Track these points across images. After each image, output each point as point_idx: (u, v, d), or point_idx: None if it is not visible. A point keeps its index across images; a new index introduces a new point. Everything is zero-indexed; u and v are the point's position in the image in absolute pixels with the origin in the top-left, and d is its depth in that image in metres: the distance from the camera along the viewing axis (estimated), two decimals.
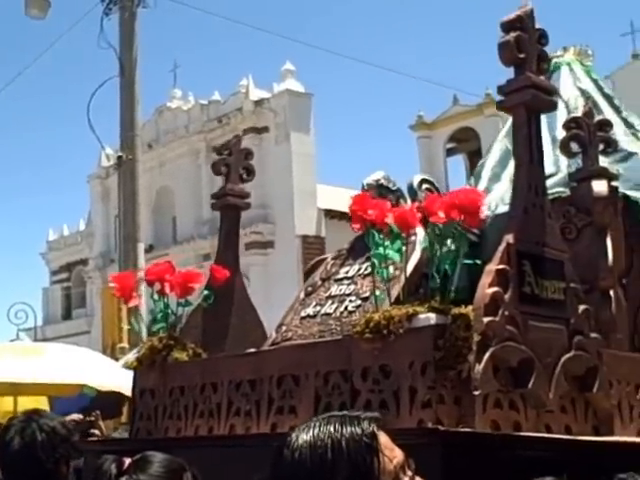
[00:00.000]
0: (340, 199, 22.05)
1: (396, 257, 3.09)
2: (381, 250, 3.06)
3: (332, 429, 1.72)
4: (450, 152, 27.14)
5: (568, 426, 3.22)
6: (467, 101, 25.76)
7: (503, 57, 3.34)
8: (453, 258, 3.02)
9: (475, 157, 24.81)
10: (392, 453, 1.74)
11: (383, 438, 1.75)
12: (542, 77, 3.44)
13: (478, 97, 25.03)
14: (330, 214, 22.55)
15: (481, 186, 4.69)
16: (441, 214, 2.95)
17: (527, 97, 3.31)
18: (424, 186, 3.96)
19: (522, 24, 3.35)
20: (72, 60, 50.53)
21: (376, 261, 3.13)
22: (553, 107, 3.53)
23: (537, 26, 3.44)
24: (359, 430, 1.71)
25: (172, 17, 50.85)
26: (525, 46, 3.34)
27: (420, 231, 3.41)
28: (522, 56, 3.33)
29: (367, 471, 1.66)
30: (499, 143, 4.91)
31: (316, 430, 1.73)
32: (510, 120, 3.72)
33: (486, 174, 4.77)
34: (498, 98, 3.44)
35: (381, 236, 3.08)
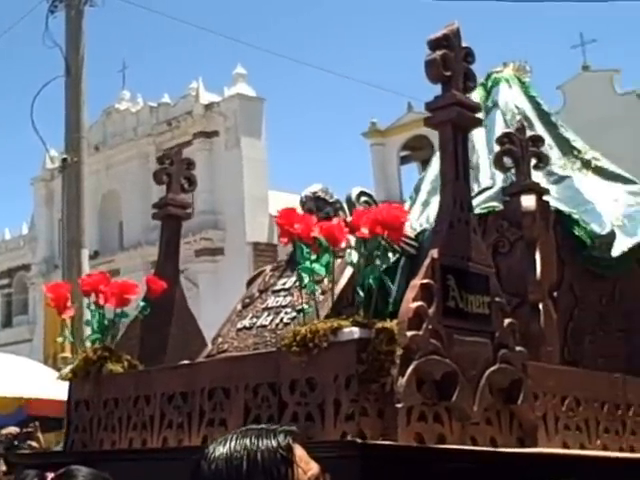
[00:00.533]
0: (293, 206, 22.03)
1: (322, 271, 3.13)
2: (308, 264, 3.09)
3: (248, 442, 1.74)
4: (404, 160, 27.20)
5: (493, 438, 3.27)
6: (422, 109, 25.84)
7: (429, 74, 3.40)
8: (377, 273, 3.06)
9: (428, 166, 24.85)
10: (307, 466, 1.76)
11: (299, 451, 1.77)
12: (469, 95, 3.51)
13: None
14: None
15: (420, 199, 4.75)
16: (365, 230, 2.99)
17: (453, 114, 3.37)
18: (362, 199, 4.01)
19: (448, 42, 3.41)
20: (16, 59, 49.49)
21: (303, 275, 3.16)
22: (478, 124, 3.59)
23: (464, 44, 3.50)
24: (275, 443, 1.74)
25: (121, 16, 49.83)
26: (451, 64, 3.40)
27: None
28: (448, 74, 3.39)
29: None
30: (438, 157, 4.98)
31: (233, 443, 1.75)
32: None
33: (425, 187, 4.84)
34: (426, 114, 3.50)
35: (308, 250, 3.11)
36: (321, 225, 3.12)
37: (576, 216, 4.29)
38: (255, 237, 22.04)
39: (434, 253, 3.15)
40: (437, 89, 3.41)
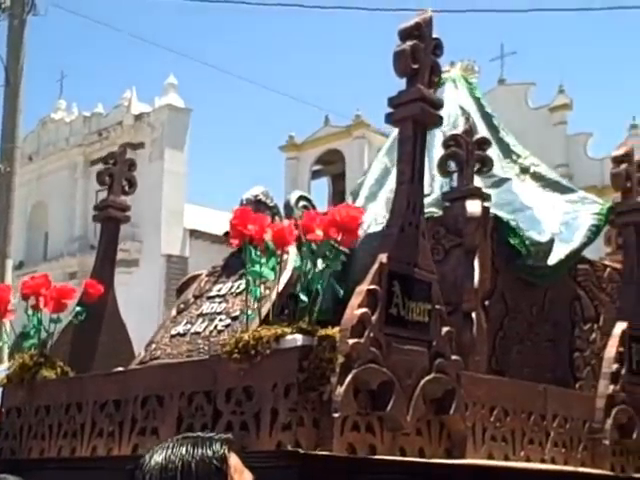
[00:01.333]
0: (206, 219, 21.86)
1: (270, 275, 3.03)
2: (257, 267, 2.98)
3: (184, 451, 1.72)
4: (315, 175, 27.31)
5: (422, 449, 3.24)
6: (338, 122, 25.98)
7: (397, 67, 3.27)
8: (325, 278, 2.98)
9: (339, 180, 25.06)
10: (241, 476, 1.76)
11: (234, 460, 1.76)
12: (431, 90, 3.40)
13: (348, 119, 25.29)
14: (195, 234, 22.42)
15: (357, 205, 4.67)
16: (319, 232, 2.89)
17: (416, 110, 3.27)
18: (301, 203, 3.91)
19: (420, 32, 3.29)
20: None
21: (251, 279, 3.05)
22: (439, 122, 3.50)
23: (434, 35, 3.38)
24: (210, 452, 1.73)
25: (61, 25, 48.68)
26: (420, 56, 3.28)
27: (292, 249, 3.35)
28: (416, 67, 3.27)
29: None
30: (378, 162, 4.91)
31: (168, 452, 1.73)
32: (390, 138, 3.70)
33: (364, 193, 4.76)
34: (387, 111, 3.38)
35: (258, 253, 3.00)
36: (272, 227, 3.01)
37: (514, 223, 4.28)
38: (169, 249, 22.02)
39: (383, 258, 3.07)
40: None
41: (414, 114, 3.25)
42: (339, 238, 2.96)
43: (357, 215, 2.98)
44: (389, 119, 3.34)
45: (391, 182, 3.79)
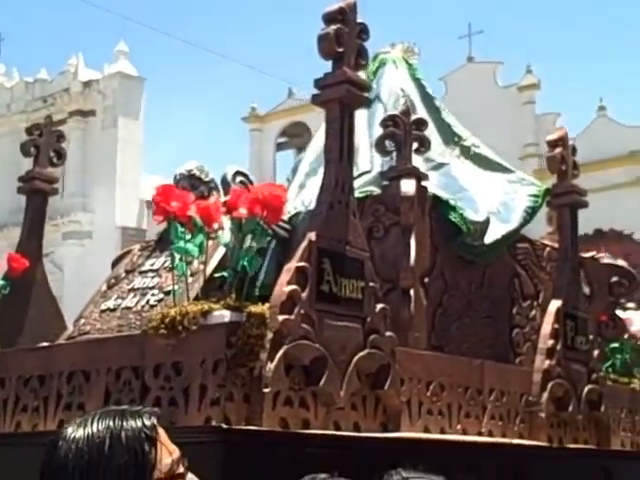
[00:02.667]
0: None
1: (195, 252, 3.04)
2: (182, 244, 3.00)
3: (111, 422, 1.71)
4: (280, 147, 27.18)
5: (357, 423, 3.29)
6: (302, 95, 25.88)
7: (322, 50, 3.34)
8: (253, 255, 3.01)
9: (307, 147, 24.90)
10: (168, 448, 1.74)
11: (162, 433, 1.73)
12: (359, 73, 3.45)
13: (312, 92, 25.09)
14: (152, 206, 21.93)
15: (297, 181, 4.69)
16: (243, 210, 2.92)
17: (342, 92, 3.32)
18: (238, 178, 3.92)
19: (343, 17, 3.34)
20: None
21: (176, 255, 3.07)
22: (366, 104, 3.55)
23: (359, 20, 3.43)
24: (139, 423, 1.71)
25: None
26: (344, 40, 3.34)
27: (227, 226, 3.37)
28: (340, 50, 3.33)
29: (144, 461, 1.65)
30: (318, 138, 4.93)
31: (94, 424, 1.72)
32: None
33: (303, 169, 4.78)
34: (315, 92, 3.43)
35: (183, 229, 3.02)
36: (198, 204, 3.03)
37: (453, 202, 4.33)
38: (124, 221, 21.48)
39: (312, 236, 3.11)
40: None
41: (340, 96, 3.30)
42: (264, 216, 2.98)
43: (280, 194, 3.01)
44: (316, 100, 3.38)
45: None
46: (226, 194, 3.75)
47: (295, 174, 4.80)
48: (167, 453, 1.73)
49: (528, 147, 23.90)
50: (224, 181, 3.89)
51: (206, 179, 3.89)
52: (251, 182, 3.90)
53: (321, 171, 4.59)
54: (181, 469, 1.80)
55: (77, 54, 23.17)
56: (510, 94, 25.62)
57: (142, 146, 22.44)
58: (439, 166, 4.69)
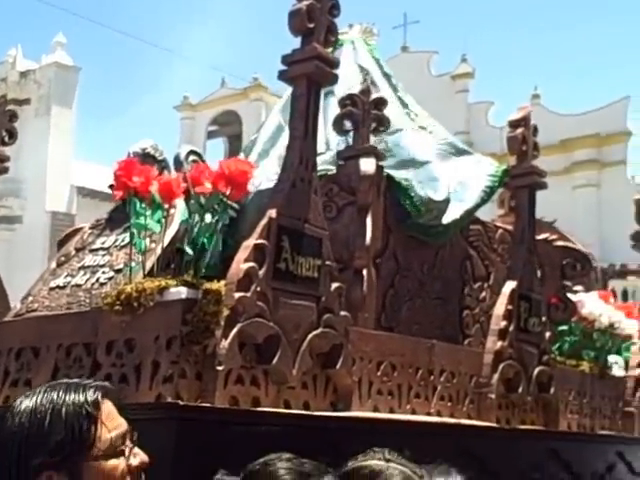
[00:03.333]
0: (95, 177, 21.52)
1: (156, 228, 3.00)
2: (142, 220, 2.95)
3: (55, 396, 1.73)
4: (211, 135, 27.22)
5: (307, 402, 3.29)
6: (234, 85, 25.90)
7: (293, 25, 3.30)
8: (212, 232, 2.97)
9: (235, 141, 25.09)
10: (113, 423, 1.76)
11: (107, 407, 1.76)
12: (328, 49, 3.41)
13: (245, 81, 25.23)
14: (83, 192, 22.10)
15: (250, 160, 4.64)
16: (208, 185, 2.88)
17: (310, 68, 3.28)
18: (191, 158, 3.87)
19: None
20: None
21: (135, 231, 3.02)
22: (334, 81, 3.51)
23: None
24: (82, 398, 1.73)
25: None
26: (316, 15, 3.31)
27: (180, 203, 3.33)
28: (311, 26, 3.30)
29: (82, 437, 1.68)
30: (273, 118, 4.90)
31: (39, 396, 1.74)
32: (285, 96, 3.68)
33: (256, 149, 4.74)
34: (281, 68, 3.38)
35: (143, 205, 2.97)
36: (159, 179, 2.98)
37: (406, 184, 4.32)
38: (54, 206, 21.57)
39: (272, 213, 3.08)
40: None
41: (309, 72, 3.27)
42: (228, 192, 2.95)
43: (247, 169, 2.98)
44: (283, 76, 3.34)
45: (284, 140, 3.79)
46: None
47: (248, 154, 4.76)
48: (107, 430, 1.72)
49: (459, 135, 24.05)
50: (177, 160, 3.84)
51: (160, 158, 3.84)
52: (204, 162, 3.85)
53: (273, 152, 4.59)
54: (127, 444, 1.78)
55: (16, 45, 23.60)
56: (443, 83, 25.84)
57: (73, 133, 22.64)
58: (395, 132, 4.64)
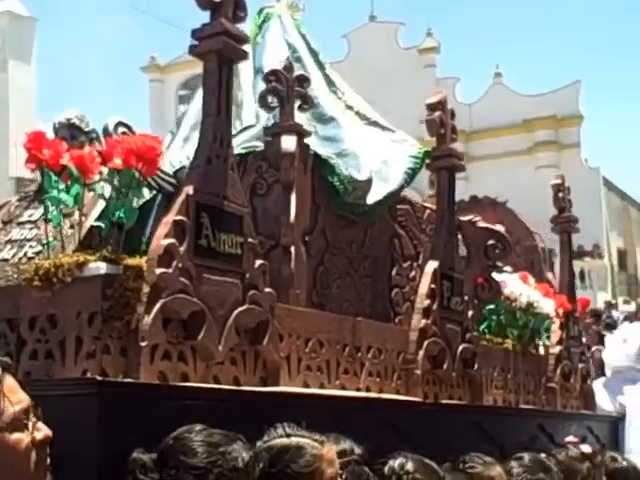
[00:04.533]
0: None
1: (70, 202, 2.97)
2: (55, 193, 2.92)
3: None
4: (182, 99, 26.70)
5: (237, 377, 3.29)
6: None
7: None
8: (129, 207, 2.95)
9: (191, 99, 24.65)
10: (16, 397, 1.77)
11: (9, 382, 1.78)
12: (237, 25, 3.39)
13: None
14: None
15: (181, 134, 4.61)
16: (118, 160, 2.86)
17: (219, 45, 3.25)
18: (120, 129, 3.82)
19: None
20: None
21: (49, 204, 2.98)
22: (245, 57, 3.48)
23: None
24: None
25: None
26: None
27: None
28: (218, 0, 3.27)
29: None
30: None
31: None
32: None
33: (188, 121, 4.69)
34: (192, 43, 3.36)
35: (57, 179, 2.93)
36: (72, 153, 2.94)
37: (333, 161, 4.34)
38: (19, 172, 20.60)
39: (189, 190, 3.07)
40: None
41: (218, 48, 3.24)
42: (140, 167, 2.93)
43: (155, 145, 2.96)
44: (193, 52, 3.31)
45: None
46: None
47: (179, 127, 4.72)
48: (10, 404, 1.73)
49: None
50: (105, 131, 3.79)
51: (87, 129, 3.78)
52: (134, 133, 3.81)
53: None
54: (31, 418, 1.79)
55: None
56: (411, 56, 25.86)
57: (35, 91, 21.40)
58: (327, 119, 4.67)
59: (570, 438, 5.03)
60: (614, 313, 16.99)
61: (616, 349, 7.87)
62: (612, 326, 13.94)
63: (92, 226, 3.28)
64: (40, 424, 1.81)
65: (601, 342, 10.99)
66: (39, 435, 1.77)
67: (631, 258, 37.76)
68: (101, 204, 3.44)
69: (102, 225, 2.92)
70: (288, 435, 2.77)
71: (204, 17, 3.28)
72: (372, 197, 4.54)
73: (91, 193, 3.22)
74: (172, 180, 4.08)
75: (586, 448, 4.83)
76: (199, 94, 4.88)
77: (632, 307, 17.19)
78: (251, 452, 2.54)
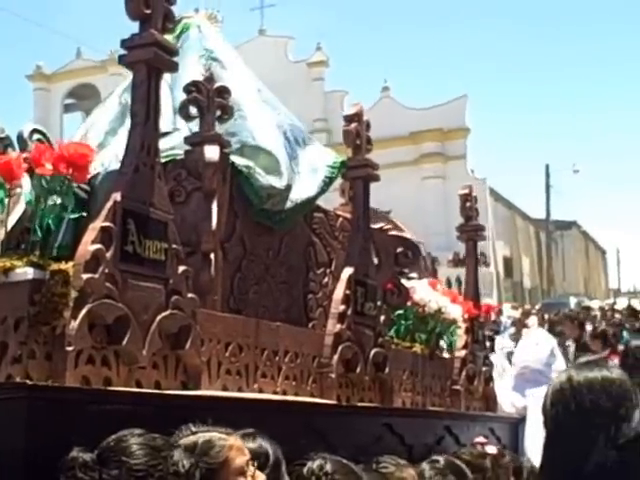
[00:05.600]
0: None
1: None
2: None
3: None
4: (68, 108, 26.26)
5: (158, 381, 3.35)
6: (91, 56, 25.06)
7: (129, 10, 3.33)
8: (58, 213, 2.98)
9: (102, 105, 24.33)
10: None
11: None
12: (166, 36, 3.47)
13: (102, 54, 24.51)
14: None
15: (96, 140, 4.61)
16: (49, 166, 2.89)
17: (149, 55, 3.32)
18: (35, 136, 3.82)
19: None
20: None
21: None
22: (174, 68, 3.56)
23: None
24: None
25: None
26: (152, 2, 3.35)
27: (26, 183, 3.30)
28: (148, 12, 3.34)
29: None
30: (118, 97, 4.86)
31: None
32: (131, 75, 3.68)
33: (102, 128, 4.70)
34: (121, 53, 3.42)
35: None
36: None
37: (246, 171, 4.41)
38: None
39: (117, 196, 3.12)
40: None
41: (147, 58, 3.32)
42: (70, 174, 2.96)
43: (86, 152, 3.01)
44: (123, 61, 3.37)
45: None
46: (22, 152, 3.65)
47: (92, 131, 4.71)
48: None
49: (317, 122, 24.52)
50: (20, 139, 3.78)
51: (1, 135, 3.76)
52: (49, 140, 3.81)
53: (121, 132, 4.57)
54: None
55: None
56: (300, 69, 26.20)
57: None
58: (242, 118, 4.70)
59: (480, 439, 5.25)
60: (501, 318, 17.59)
61: (528, 351, 8.18)
62: (496, 331, 14.47)
63: (11, 231, 3.29)
64: None
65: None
66: None
67: (517, 266, 39.14)
68: (19, 209, 3.44)
69: (33, 230, 2.93)
70: (194, 433, 2.84)
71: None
72: (290, 204, 4.64)
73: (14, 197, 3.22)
74: (85, 187, 4.07)
75: (491, 449, 5.06)
76: (112, 100, 4.92)
77: (518, 313, 17.83)
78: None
